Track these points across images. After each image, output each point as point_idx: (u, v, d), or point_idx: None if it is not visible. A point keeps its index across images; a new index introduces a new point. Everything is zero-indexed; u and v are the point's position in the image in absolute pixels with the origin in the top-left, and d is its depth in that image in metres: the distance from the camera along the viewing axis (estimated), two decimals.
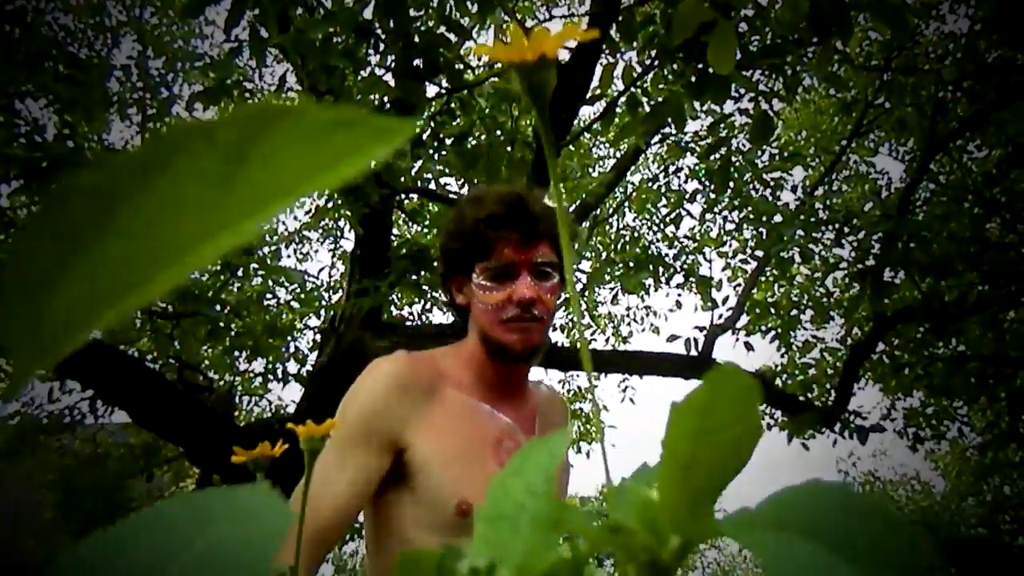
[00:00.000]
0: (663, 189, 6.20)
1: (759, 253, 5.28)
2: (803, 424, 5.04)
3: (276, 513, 0.15)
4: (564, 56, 3.10)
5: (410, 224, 6.18)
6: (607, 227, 6.56)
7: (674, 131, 4.34)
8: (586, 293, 6.09)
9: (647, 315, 7.43)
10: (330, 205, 5.23)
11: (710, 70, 2.27)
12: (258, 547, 0.14)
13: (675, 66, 2.68)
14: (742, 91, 3.22)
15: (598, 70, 3.25)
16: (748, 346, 5.24)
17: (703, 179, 5.48)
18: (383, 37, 2.39)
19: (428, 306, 5.54)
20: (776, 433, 5.97)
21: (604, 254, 6.21)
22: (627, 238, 6.16)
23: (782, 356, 6.13)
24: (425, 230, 5.73)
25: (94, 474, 5.85)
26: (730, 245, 6.14)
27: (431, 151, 3.44)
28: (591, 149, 7.02)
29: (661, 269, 5.48)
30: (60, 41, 4.31)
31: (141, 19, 6.60)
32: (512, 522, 0.25)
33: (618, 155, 6.05)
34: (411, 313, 5.84)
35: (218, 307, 3.83)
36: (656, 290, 5.84)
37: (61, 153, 2.90)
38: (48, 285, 0.12)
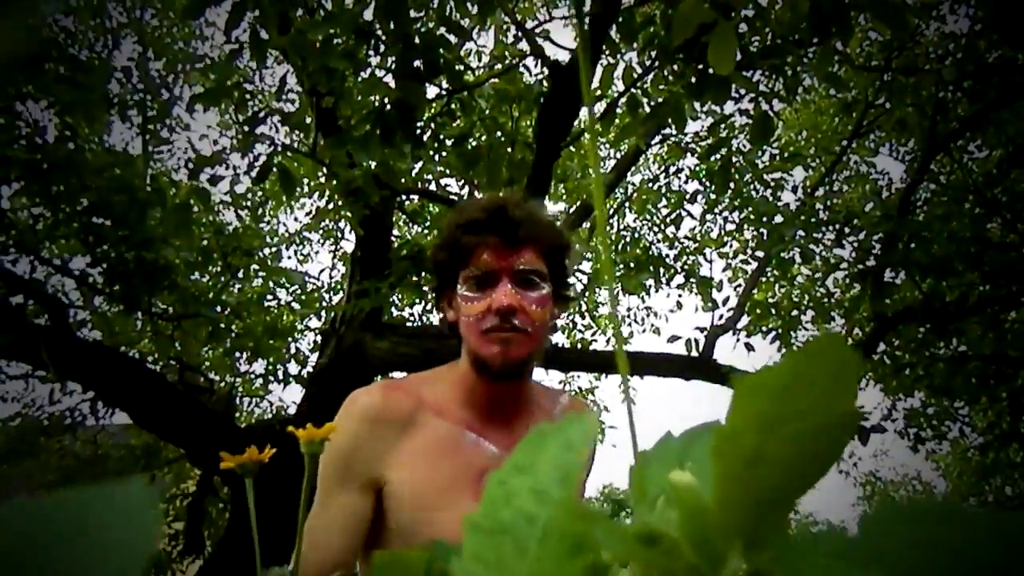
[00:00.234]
0: (663, 190, 6.21)
1: (760, 254, 5.28)
2: None
3: (148, 512, 0.14)
4: (564, 57, 3.10)
5: (411, 225, 6.18)
6: (608, 228, 6.56)
7: (674, 132, 4.34)
8: (586, 294, 6.09)
9: (648, 316, 7.43)
10: (330, 206, 5.24)
11: (710, 71, 2.27)
12: (130, 547, 0.13)
13: (675, 67, 2.68)
14: (742, 92, 3.22)
15: (598, 71, 3.25)
16: (749, 347, 5.23)
17: (703, 180, 5.48)
18: (383, 38, 2.40)
19: (429, 307, 5.54)
20: None
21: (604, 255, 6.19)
22: (627, 239, 6.16)
23: (783, 357, 6.11)
24: (425, 231, 5.74)
25: (95, 475, 5.85)
26: (731, 246, 6.14)
27: (431, 152, 3.44)
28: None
29: (662, 270, 5.49)
30: (61, 43, 4.31)
31: (142, 21, 6.62)
32: (516, 537, 0.18)
33: (618, 156, 6.05)
34: (412, 314, 5.84)
35: (219, 308, 3.83)
36: (657, 291, 5.85)
37: (62, 155, 2.91)
38: None
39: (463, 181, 4.93)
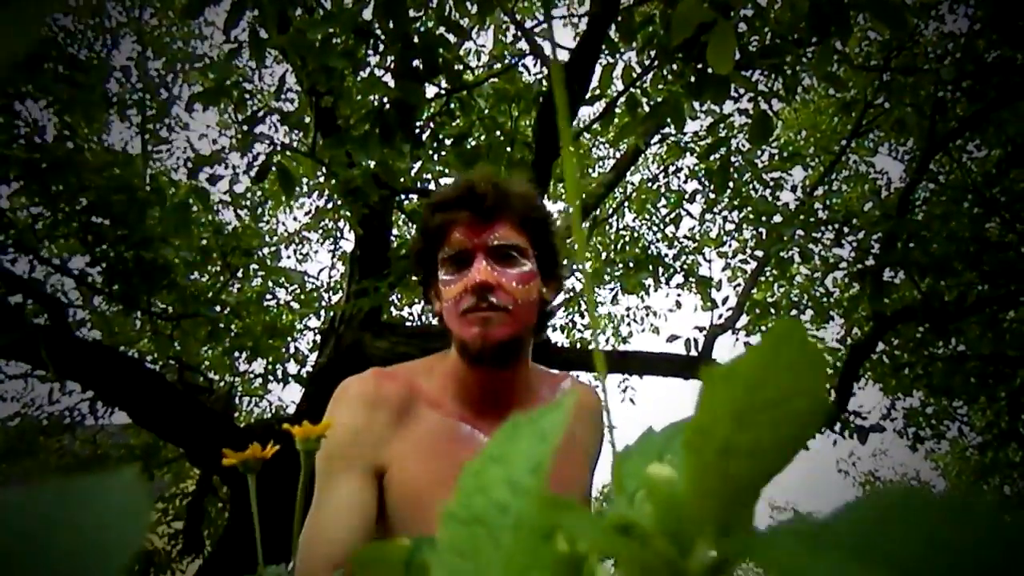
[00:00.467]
0: (663, 189, 6.21)
1: (759, 253, 5.28)
2: None
3: (137, 504, 0.14)
4: (564, 56, 3.10)
5: (410, 225, 6.17)
6: (607, 227, 6.56)
7: (673, 131, 4.34)
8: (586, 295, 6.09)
9: (647, 315, 7.44)
10: (330, 206, 5.24)
11: (709, 70, 2.27)
12: (116, 539, 0.13)
13: (674, 66, 2.68)
14: (741, 91, 3.22)
15: (597, 70, 3.25)
16: (748, 346, 5.23)
17: (703, 179, 5.48)
18: (382, 38, 2.39)
19: (428, 306, 5.54)
20: None
21: (604, 254, 6.22)
22: (627, 238, 6.17)
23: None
24: None
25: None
26: (730, 245, 6.14)
27: (430, 151, 3.44)
28: (591, 149, 7.03)
29: (661, 269, 5.49)
30: (60, 42, 4.31)
31: (141, 20, 6.61)
32: (490, 527, 0.19)
33: (617, 155, 6.05)
34: (411, 313, 5.85)
35: (218, 308, 3.83)
36: (656, 290, 5.85)
37: (61, 154, 2.91)
38: None
39: None
